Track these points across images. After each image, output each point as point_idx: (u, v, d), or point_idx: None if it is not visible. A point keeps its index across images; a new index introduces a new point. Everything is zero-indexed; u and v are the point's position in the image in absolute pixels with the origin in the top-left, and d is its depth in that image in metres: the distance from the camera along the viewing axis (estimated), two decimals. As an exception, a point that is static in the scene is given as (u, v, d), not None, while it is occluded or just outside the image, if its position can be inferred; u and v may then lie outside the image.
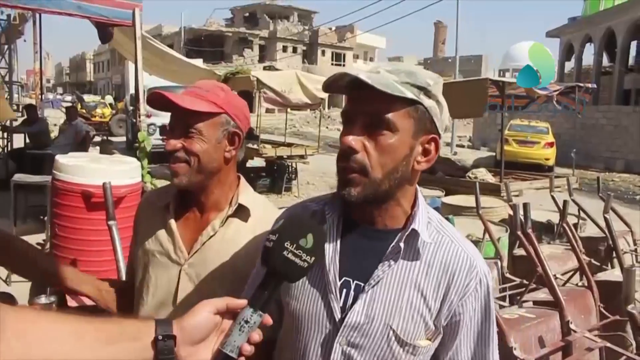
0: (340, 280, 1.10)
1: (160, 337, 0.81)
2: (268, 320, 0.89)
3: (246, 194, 1.47)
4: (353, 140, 1.03)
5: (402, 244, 1.07)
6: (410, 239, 1.08)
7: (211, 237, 1.42)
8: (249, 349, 0.86)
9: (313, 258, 0.90)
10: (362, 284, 1.08)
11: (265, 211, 1.47)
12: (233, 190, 1.48)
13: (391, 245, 1.08)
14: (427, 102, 1.05)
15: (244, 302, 0.89)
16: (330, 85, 1.08)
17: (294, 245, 0.90)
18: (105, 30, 5.49)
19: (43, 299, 2.11)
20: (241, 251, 1.40)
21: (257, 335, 0.87)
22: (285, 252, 0.89)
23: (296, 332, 1.14)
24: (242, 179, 1.52)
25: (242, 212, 1.44)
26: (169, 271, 1.45)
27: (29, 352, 0.72)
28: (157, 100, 1.37)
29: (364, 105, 1.03)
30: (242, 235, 1.42)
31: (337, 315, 1.08)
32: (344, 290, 1.09)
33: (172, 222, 1.45)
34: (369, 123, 1.03)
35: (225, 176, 1.45)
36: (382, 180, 1.04)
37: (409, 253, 1.08)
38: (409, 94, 1.02)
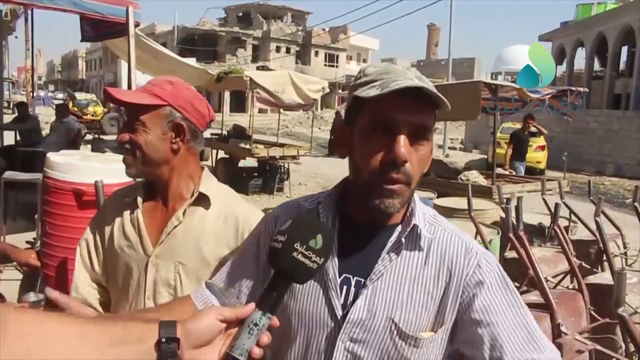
0: (340, 277, 1.09)
1: (163, 340, 0.80)
2: (276, 322, 0.89)
3: (208, 184, 1.50)
4: (406, 151, 1.00)
5: (403, 239, 1.08)
6: (412, 234, 1.09)
7: (176, 226, 1.45)
8: (258, 351, 0.85)
9: (322, 259, 0.89)
10: (363, 280, 1.08)
11: (228, 199, 1.51)
12: (195, 180, 1.51)
13: (391, 240, 1.09)
14: None
15: (252, 307, 0.87)
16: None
17: (304, 247, 0.88)
18: (91, 32, 5.46)
19: (32, 297, 2.09)
20: (204, 238, 1.44)
21: (266, 338, 0.86)
22: (295, 254, 0.88)
23: (296, 331, 1.12)
24: (206, 170, 1.55)
25: (203, 201, 1.46)
26: (137, 263, 1.48)
27: (31, 353, 0.71)
28: (109, 96, 1.43)
29: (411, 115, 1.00)
30: (205, 222, 1.46)
31: (339, 312, 1.08)
32: (344, 287, 1.09)
33: (140, 215, 1.49)
34: (413, 133, 1.01)
35: (182, 166, 1.48)
36: (414, 190, 1.05)
37: (409, 247, 1.09)
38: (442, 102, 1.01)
